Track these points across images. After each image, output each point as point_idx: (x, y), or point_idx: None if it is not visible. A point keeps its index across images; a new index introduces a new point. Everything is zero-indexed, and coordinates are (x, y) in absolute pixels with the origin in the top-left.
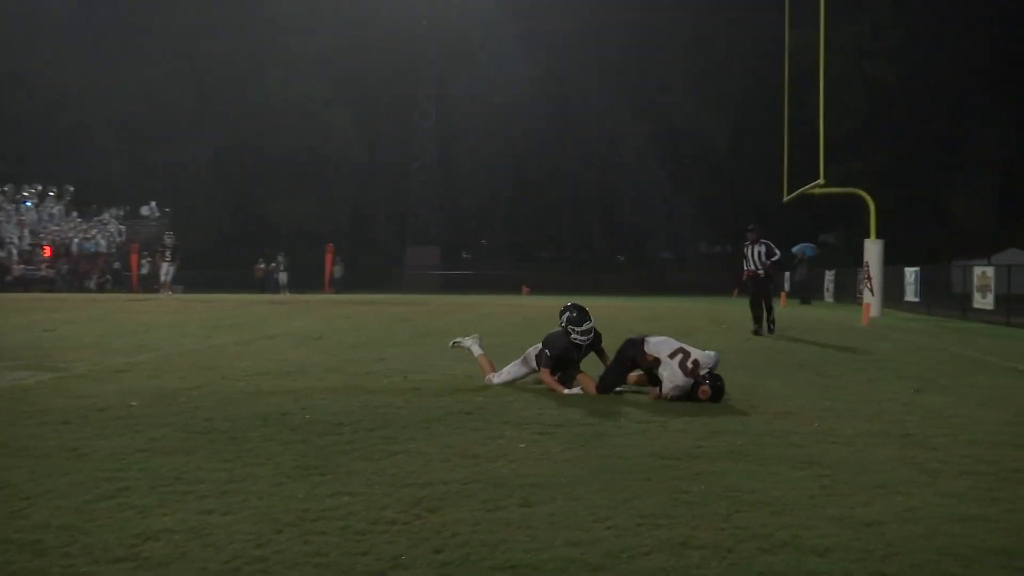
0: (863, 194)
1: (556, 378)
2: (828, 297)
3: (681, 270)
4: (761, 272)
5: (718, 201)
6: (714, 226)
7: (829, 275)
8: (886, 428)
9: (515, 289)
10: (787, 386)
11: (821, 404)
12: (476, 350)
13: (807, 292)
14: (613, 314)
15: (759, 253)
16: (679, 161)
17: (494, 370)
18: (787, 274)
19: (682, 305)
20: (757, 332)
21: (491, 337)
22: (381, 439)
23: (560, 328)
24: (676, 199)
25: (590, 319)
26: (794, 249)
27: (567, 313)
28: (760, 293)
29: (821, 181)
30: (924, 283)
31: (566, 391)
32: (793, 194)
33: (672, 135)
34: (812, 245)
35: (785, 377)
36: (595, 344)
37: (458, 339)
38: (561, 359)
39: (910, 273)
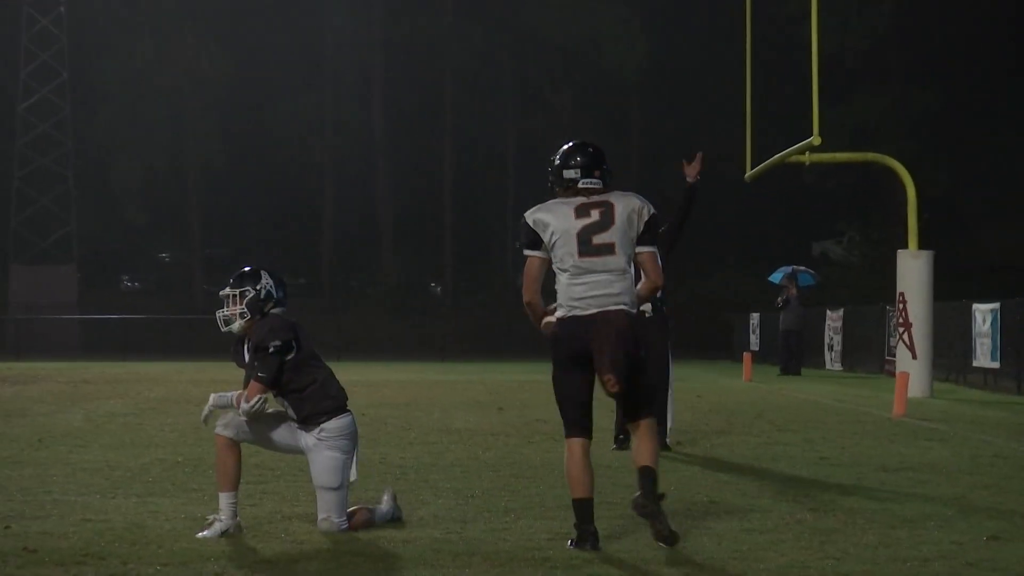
0: (892, 164)
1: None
2: (831, 360)
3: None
4: (647, 308)
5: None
6: None
7: (833, 319)
8: None
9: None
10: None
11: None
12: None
13: (795, 352)
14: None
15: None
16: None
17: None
18: (753, 319)
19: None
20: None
21: None
22: None
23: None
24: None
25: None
26: (775, 278)
27: None
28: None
29: (815, 140)
30: (1010, 333)
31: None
32: (762, 165)
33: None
34: (808, 270)
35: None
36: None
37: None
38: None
39: (984, 314)
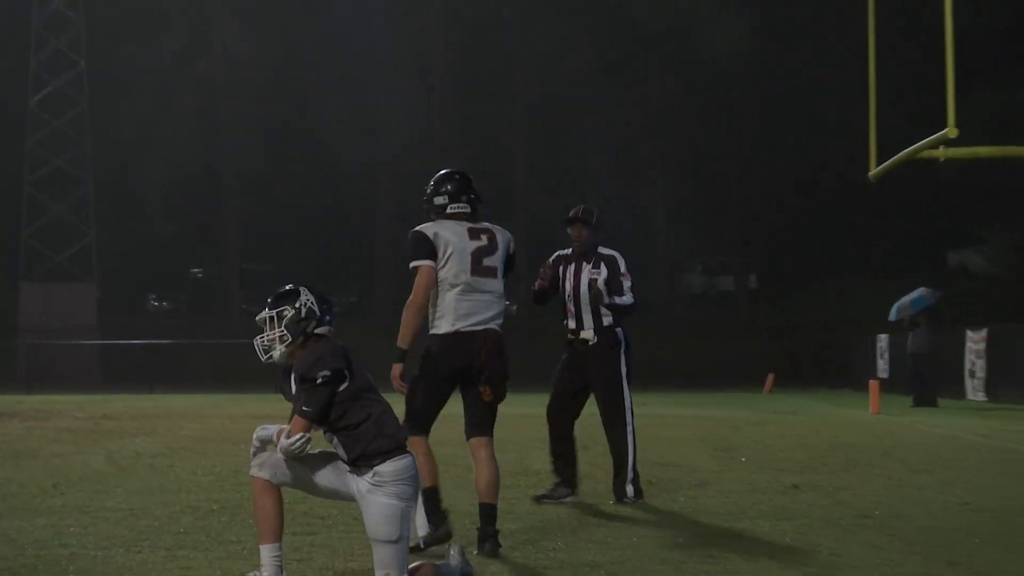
0: None
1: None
2: (973, 389)
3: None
4: (589, 335)
5: (726, 192)
6: (717, 239)
7: (974, 341)
8: None
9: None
10: None
11: None
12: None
13: (929, 380)
14: None
15: (590, 280)
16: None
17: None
18: (881, 341)
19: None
20: (555, 494)
21: None
22: None
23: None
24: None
25: None
26: (895, 312)
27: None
28: (579, 382)
29: (950, 132)
30: None
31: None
32: (889, 162)
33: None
34: (928, 291)
35: None
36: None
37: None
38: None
39: None
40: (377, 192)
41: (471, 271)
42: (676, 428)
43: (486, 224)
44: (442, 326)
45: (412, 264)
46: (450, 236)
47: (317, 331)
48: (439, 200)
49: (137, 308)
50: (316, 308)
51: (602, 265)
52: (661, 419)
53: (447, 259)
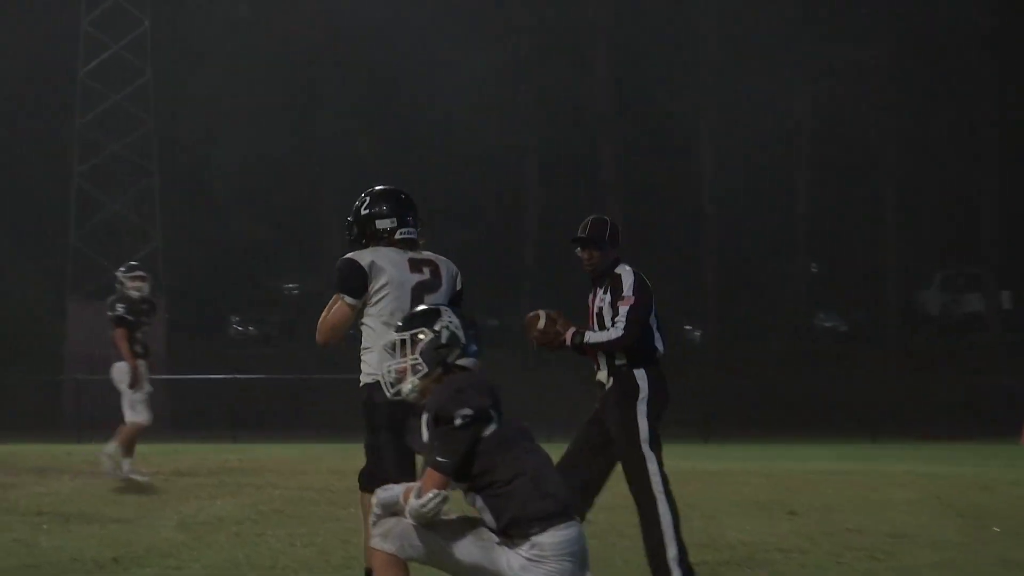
0: None
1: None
2: None
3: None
4: (603, 377)
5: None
6: (961, 246)
7: None
8: None
9: None
10: None
11: None
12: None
13: None
14: None
15: (602, 303)
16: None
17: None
18: None
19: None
20: None
21: None
22: None
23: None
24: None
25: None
26: None
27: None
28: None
29: None
30: None
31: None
32: None
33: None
34: None
35: None
36: None
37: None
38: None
39: None
40: (526, 181)
41: (411, 309)
42: (909, 488)
43: (428, 254)
44: (371, 375)
45: (336, 293)
46: (389, 267)
47: (459, 362)
48: (383, 224)
49: (216, 333)
50: (460, 333)
51: (610, 289)
52: (889, 477)
53: (382, 296)
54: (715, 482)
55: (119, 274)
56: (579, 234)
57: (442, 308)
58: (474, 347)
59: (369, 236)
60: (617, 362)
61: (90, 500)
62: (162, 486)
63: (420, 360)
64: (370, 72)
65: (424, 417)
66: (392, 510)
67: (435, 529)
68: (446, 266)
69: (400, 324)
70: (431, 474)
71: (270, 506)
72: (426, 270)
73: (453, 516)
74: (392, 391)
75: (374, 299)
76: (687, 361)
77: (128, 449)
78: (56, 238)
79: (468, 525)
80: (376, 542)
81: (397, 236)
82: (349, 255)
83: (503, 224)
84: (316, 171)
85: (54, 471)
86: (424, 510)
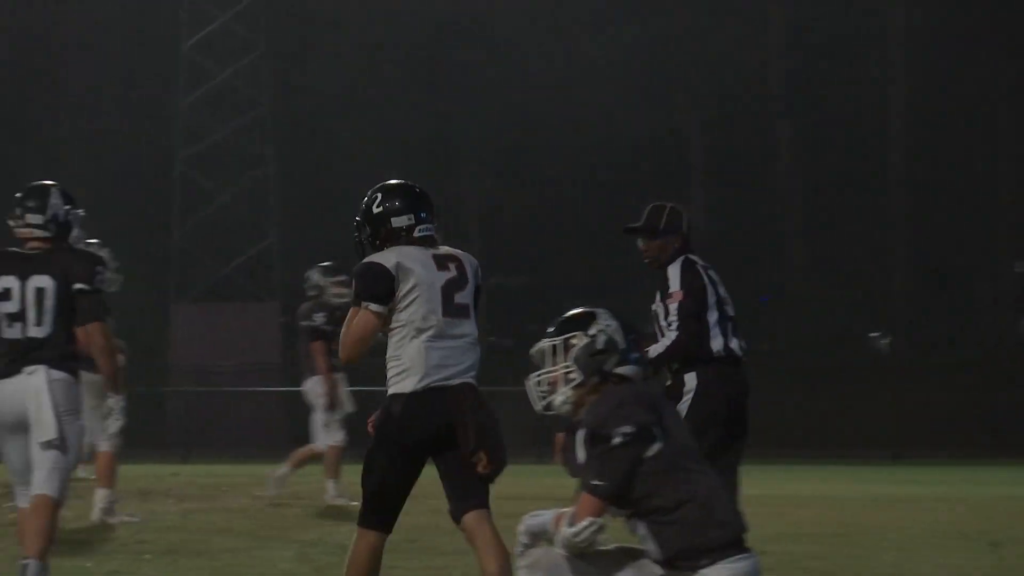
0: None
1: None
2: None
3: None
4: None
5: None
6: None
7: None
8: None
9: None
10: None
11: None
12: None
13: None
14: None
15: (658, 307)
16: None
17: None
18: None
19: None
20: None
21: None
22: None
23: None
24: None
25: None
26: None
27: None
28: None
29: None
30: None
31: None
32: None
33: None
34: None
35: None
36: None
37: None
38: None
39: None
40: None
41: (443, 311)
42: None
43: (448, 249)
44: (407, 383)
45: (357, 303)
46: (417, 267)
47: (618, 370)
48: (400, 221)
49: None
50: (619, 338)
51: (661, 288)
52: None
53: (412, 299)
54: (907, 509)
55: (317, 276)
56: (632, 226)
57: (598, 310)
58: (635, 354)
59: (384, 236)
60: (674, 365)
61: (198, 528)
62: (279, 512)
63: (574, 368)
64: (501, 50)
65: (580, 434)
66: (541, 538)
67: (590, 560)
68: (468, 261)
69: (551, 328)
70: (586, 499)
71: (403, 535)
72: (452, 266)
73: (612, 547)
74: (542, 404)
75: (403, 303)
76: (873, 373)
77: (333, 470)
78: (157, 234)
79: (627, 557)
80: (524, 574)
81: (415, 234)
82: (370, 258)
83: None
84: (455, 158)
85: (158, 494)
86: (577, 539)
